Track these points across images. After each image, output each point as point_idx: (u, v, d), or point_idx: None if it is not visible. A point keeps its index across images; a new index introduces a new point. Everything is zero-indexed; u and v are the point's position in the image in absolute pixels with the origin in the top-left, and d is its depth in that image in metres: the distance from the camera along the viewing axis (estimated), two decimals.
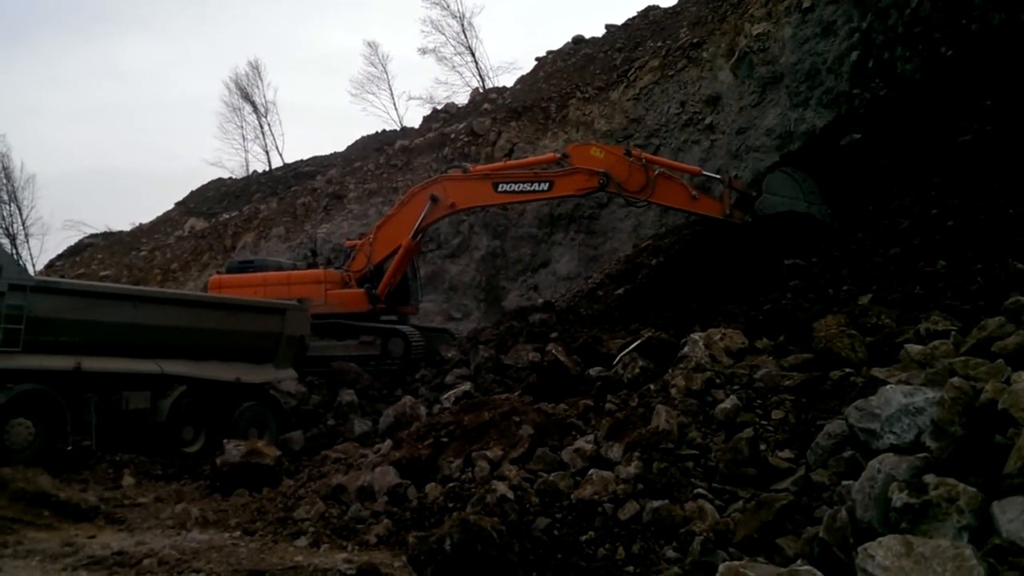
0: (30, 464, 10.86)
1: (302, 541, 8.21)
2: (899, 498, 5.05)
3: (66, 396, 11.88)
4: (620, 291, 20.39)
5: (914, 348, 7.78)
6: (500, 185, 19.01)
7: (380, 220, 21.60)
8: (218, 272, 23.95)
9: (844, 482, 6.20)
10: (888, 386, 6.46)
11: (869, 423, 6.30)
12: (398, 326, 19.68)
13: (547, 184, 18.58)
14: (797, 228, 15.40)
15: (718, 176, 17.38)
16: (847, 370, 8.49)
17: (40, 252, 57.42)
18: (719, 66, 25.39)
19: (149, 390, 13.06)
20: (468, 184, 19.55)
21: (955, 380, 5.85)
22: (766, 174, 15.76)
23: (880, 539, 4.54)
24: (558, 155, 19.75)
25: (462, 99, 41.26)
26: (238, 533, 8.66)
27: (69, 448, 11.81)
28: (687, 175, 18.56)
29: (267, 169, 46.64)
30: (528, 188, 18.78)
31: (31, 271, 34.44)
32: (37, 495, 9.80)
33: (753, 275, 15.04)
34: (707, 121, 25.44)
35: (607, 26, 37.11)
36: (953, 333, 7.86)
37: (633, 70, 29.62)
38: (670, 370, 10.18)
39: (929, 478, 5.12)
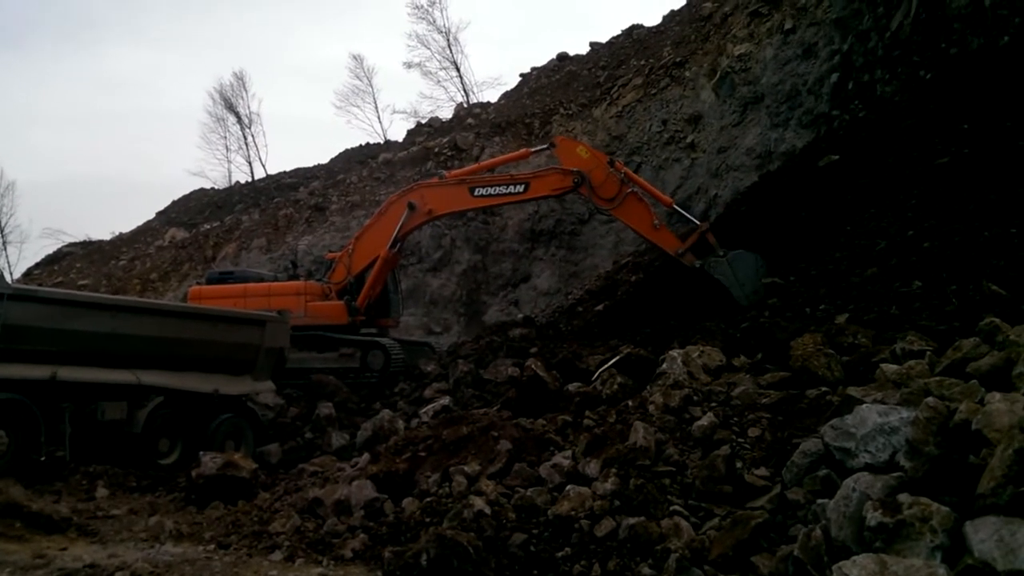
0: (2, 475, 10.69)
1: (277, 555, 8.15)
2: (873, 517, 5.09)
3: (41, 406, 11.72)
4: (600, 307, 20.44)
5: (890, 368, 7.84)
6: (476, 189, 19.04)
7: (359, 231, 21.58)
8: (198, 283, 23.83)
9: (819, 500, 6.23)
10: (864, 405, 6.52)
11: (844, 442, 6.34)
12: (378, 339, 19.61)
13: (523, 186, 18.62)
14: (719, 298, 15.64)
15: (696, 221, 17.26)
16: (823, 389, 8.55)
17: (18, 260, 57.07)
18: (701, 85, 25.63)
19: (125, 400, 12.89)
20: (444, 190, 19.57)
21: (930, 400, 5.92)
22: (745, 255, 15.70)
23: (854, 558, 4.58)
24: (546, 145, 20.04)
25: (446, 113, 41.46)
26: (212, 547, 8.58)
27: (43, 459, 11.64)
28: (663, 204, 18.54)
29: (250, 180, 46.60)
30: (504, 191, 18.80)
31: (8, 279, 34.16)
32: (9, 506, 9.64)
33: (731, 293, 15.15)
34: (688, 139, 25.65)
35: (591, 44, 37.42)
36: (928, 353, 7.93)
37: (616, 88, 29.84)
38: (648, 386, 10.20)
39: (903, 497, 5.16)
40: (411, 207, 19.29)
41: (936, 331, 9.27)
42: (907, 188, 13.75)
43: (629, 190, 17.53)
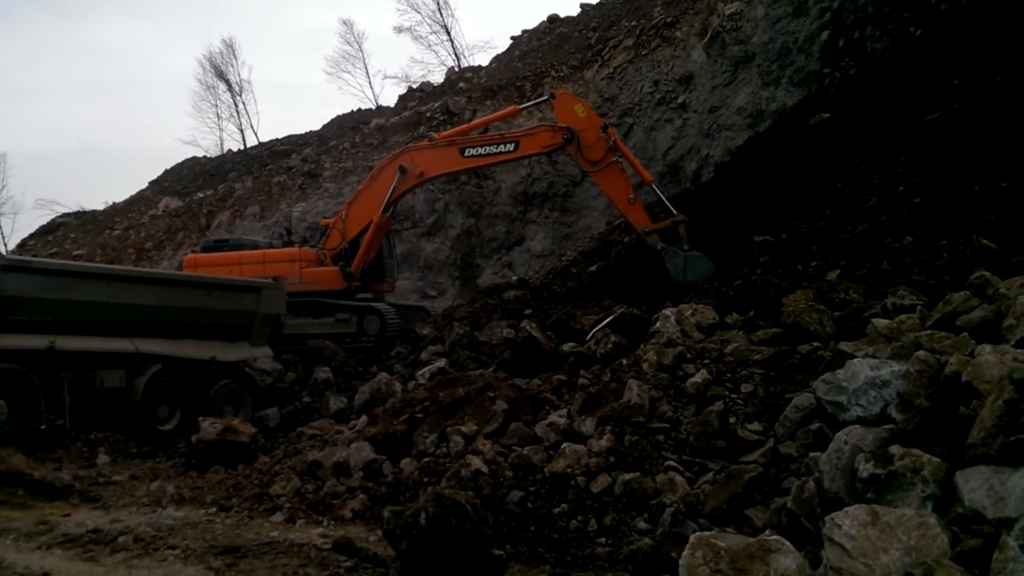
0: (3, 443, 10.77)
1: (278, 517, 8.24)
2: (865, 469, 5.16)
3: (40, 375, 11.77)
4: (593, 268, 20.46)
5: (881, 322, 7.92)
6: (466, 150, 19.01)
7: (352, 196, 21.51)
8: (193, 251, 23.78)
9: (812, 454, 6.32)
10: (855, 360, 6.58)
11: (836, 396, 6.42)
12: (373, 304, 19.62)
13: (513, 144, 18.60)
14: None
15: (673, 210, 17.11)
16: (815, 344, 8.63)
17: (12, 231, 56.81)
18: (692, 45, 25.47)
19: (124, 368, 12.96)
20: (435, 152, 19.51)
21: (921, 353, 5.97)
22: (702, 261, 15.87)
23: (847, 509, 4.64)
24: (544, 97, 20.05)
25: (438, 78, 41.16)
26: (214, 510, 8.66)
27: (43, 427, 11.72)
28: (644, 182, 18.42)
29: (242, 148, 46.22)
30: (494, 150, 18.77)
31: (2, 250, 34.00)
32: (11, 474, 9.74)
33: (724, 251, 15.18)
34: (680, 100, 25.54)
35: (582, 5, 37.09)
36: (919, 307, 8.01)
37: (607, 49, 29.64)
38: (642, 345, 10.28)
39: (895, 449, 5.23)
40: (402, 170, 19.23)
41: (927, 285, 9.35)
42: (898, 144, 13.76)
43: (614, 158, 17.54)
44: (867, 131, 14.96)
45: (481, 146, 18.97)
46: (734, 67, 23.62)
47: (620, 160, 17.61)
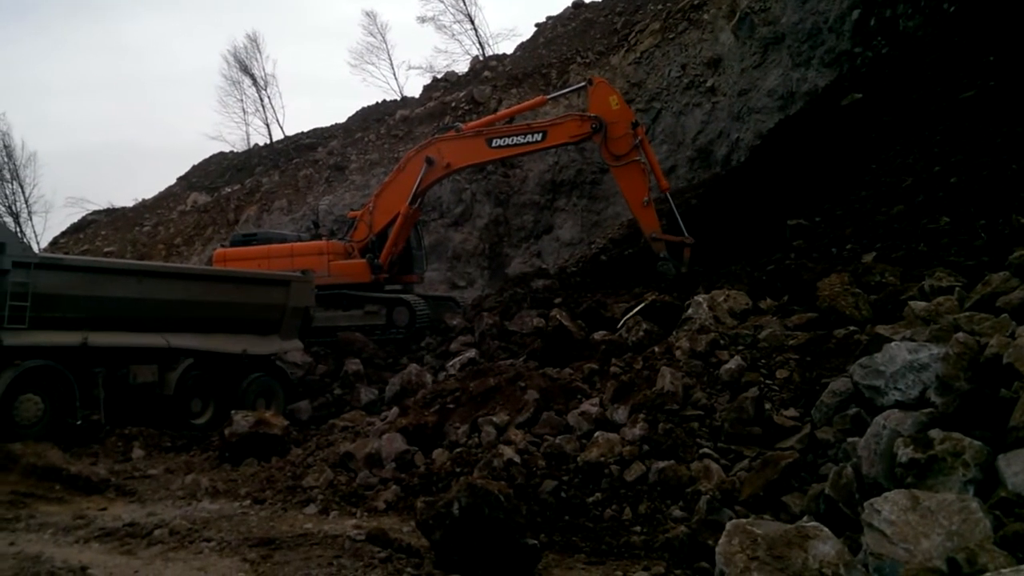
0: (40, 439, 10.93)
1: (311, 509, 8.28)
2: (904, 453, 5.07)
3: (74, 371, 11.93)
4: (623, 256, 20.33)
5: (918, 305, 7.78)
6: (494, 140, 18.91)
7: (378, 188, 21.53)
8: (222, 245, 23.94)
9: (849, 439, 6.23)
10: (893, 343, 6.47)
11: (874, 380, 6.32)
12: (402, 295, 19.65)
13: (540, 134, 18.49)
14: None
15: (685, 233, 16.81)
16: (851, 328, 8.50)
17: (44, 230, 57.56)
18: (720, 27, 25.15)
19: (156, 363, 13.09)
20: (462, 143, 19.43)
21: (960, 335, 5.86)
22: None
23: (886, 494, 4.56)
24: (581, 84, 19.69)
25: (462, 67, 41.02)
26: (248, 502, 8.72)
27: (78, 422, 11.87)
28: (660, 188, 18.17)
29: (268, 142, 46.39)
30: (522, 140, 18.66)
31: (35, 249, 34.48)
32: (48, 469, 9.87)
33: (756, 236, 15.01)
34: (708, 84, 25.24)
35: None
36: (957, 289, 7.85)
37: (634, 34, 29.36)
38: (674, 332, 10.21)
39: (934, 433, 5.14)
40: (429, 162, 19.21)
41: (965, 266, 9.17)
42: (932, 123, 13.52)
43: (637, 157, 17.40)
44: (901, 111, 14.72)
45: (508, 136, 18.89)
46: (763, 49, 23.32)
47: (642, 161, 17.47)
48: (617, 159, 17.60)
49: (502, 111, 24.16)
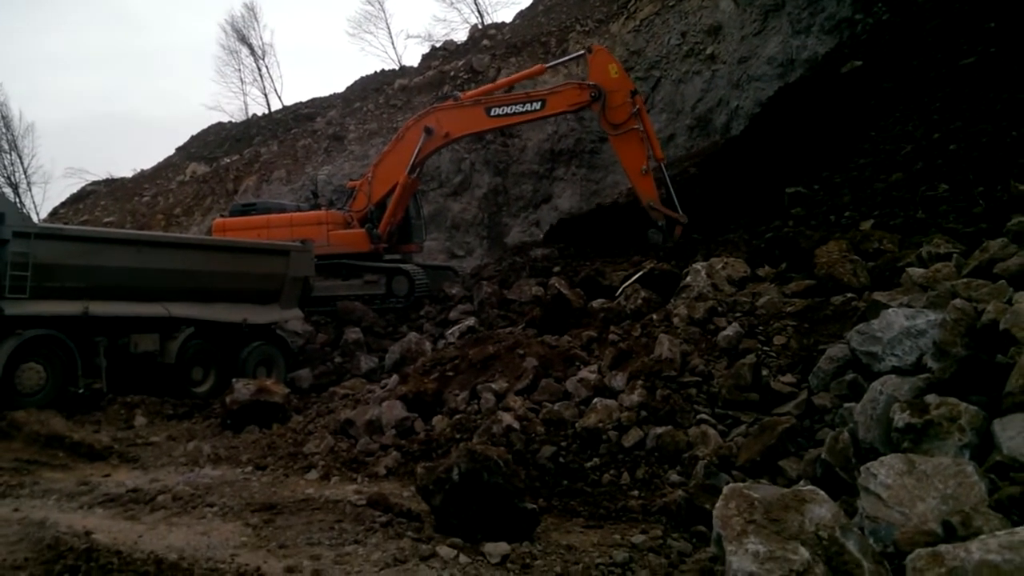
0: (43, 407, 11.03)
1: (313, 474, 8.34)
2: (901, 418, 5.11)
3: (75, 340, 11.99)
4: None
5: (916, 271, 7.80)
6: (492, 109, 18.84)
7: (377, 158, 21.46)
8: (221, 215, 23.90)
9: (846, 404, 6.28)
10: (890, 309, 6.51)
11: (871, 346, 6.36)
12: (402, 265, 19.67)
13: (539, 103, 18.44)
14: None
15: (679, 211, 16.82)
16: (849, 295, 8.54)
17: (43, 200, 57.46)
18: None
19: (157, 332, 13.15)
20: (460, 112, 19.38)
21: (957, 302, 5.89)
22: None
23: (882, 458, 4.60)
24: (579, 53, 19.69)
25: (461, 36, 40.74)
26: (250, 468, 8.79)
27: (81, 391, 11.95)
28: (655, 157, 18.07)
29: (267, 112, 46.22)
30: (521, 109, 18.61)
31: (35, 219, 34.42)
32: (51, 437, 9.96)
33: (755, 204, 15.02)
34: (708, 51, 25.07)
35: None
36: (955, 256, 7.88)
37: (633, 1, 29.11)
38: (672, 300, 10.24)
39: (931, 398, 5.18)
40: (428, 131, 19.14)
41: (963, 233, 9.19)
42: (932, 90, 13.47)
43: (635, 126, 17.34)
44: (900, 77, 14.65)
45: (507, 105, 18.81)
46: (764, 16, 23.14)
47: (640, 129, 17.41)
48: (615, 128, 17.58)
49: (501, 80, 24.01)
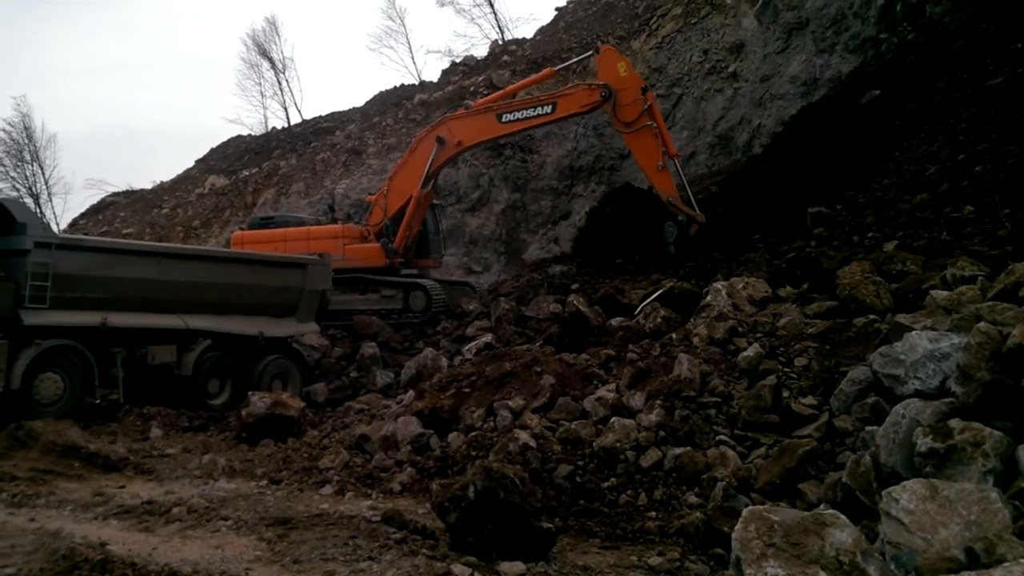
0: (60, 417, 11.05)
1: (327, 489, 8.31)
2: (924, 443, 5.04)
3: (93, 351, 12.03)
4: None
5: (940, 294, 7.72)
6: (504, 115, 18.75)
7: (393, 171, 21.45)
8: (240, 228, 24.01)
9: (868, 428, 6.21)
10: (913, 332, 6.43)
11: (894, 369, 6.29)
12: (418, 280, 19.65)
13: (550, 106, 18.31)
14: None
15: (695, 213, 16.71)
16: (871, 317, 8.45)
17: (63, 211, 58.03)
18: (743, 12, 24.91)
19: (174, 344, 13.18)
20: (472, 120, 19.31)
21: (982, 325, 5.81)
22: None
23: (905, 483, 4.53)
24: (588, 54, 19.59)
25: (481, 52, 40.89)
26: (264, 482, 8.77)
27: (98, 401, 11.99)
28: (669, 154, 17.90)
29: (286, 125, 46.50)
30: (532, 113, 18.49)
31: (55, 230, 34.74)
32: (68, 447, 9.98)
33: (777, 223, 14.91)
34: (731, 69, 25.02)
35: None
36: (980, 279, 7.78)
37: (655, 18, 29.15)
38: (692, 319, 10.17)
39: (954, 423, 5.11)
40: (440, 141, 19.08)
41: (988, 256, 9.09)
42: (958, 111, 13.35)
43: (648, 122, 17.19)
44: (926, 98, 14.55)
45: (518, 110, 18.69)
46: (787, 34, 23.08)
47: (653, 126, 17.26)
48: (628, 126, 17.40)
49: (510, 87, 23.87)
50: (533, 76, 22.46)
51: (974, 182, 11.37)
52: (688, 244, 16.18)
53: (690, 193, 17.04)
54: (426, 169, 19.25)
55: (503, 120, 18.72)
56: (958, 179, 11.72)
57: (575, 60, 22.02)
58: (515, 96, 20.67)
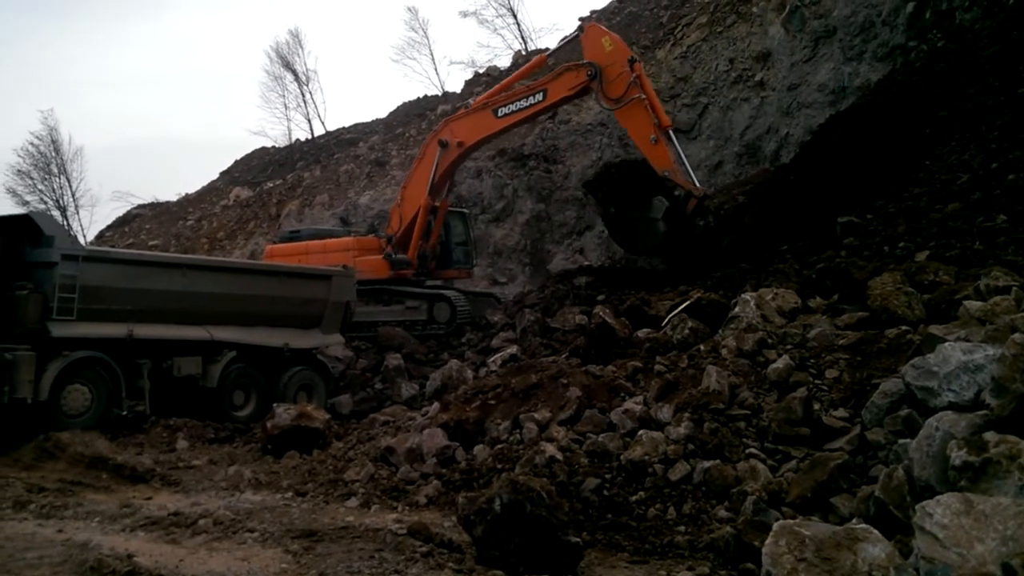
0: (87, 429, 11.16)
1: (353, 502, 8.30)
2: (958, 456, 4.95)
3: (120, 362, 12.13)
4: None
5: (973, 305, 7.60)
6: (499, 109, 18.56)
7: (405, 180, 21.40)
8: (272, 242, 24.18)
9: (901, 441, 6.13)
10: (946, 344, 6.34)
11: (927, 381, 6.20)
12: (443, 291, 19.62)
13: (541, 94, 18.07)
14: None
15: (693, 187, 16.34)
16: (903, 328, 8.31)
17: (90, 223, 58.55)
18: (770, 21, 24.76)
19: (199, 356, 13.25)
20: (470, 118, 19.23)
21: (1017, 336, 5.72)
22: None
23: (939, 497, 4.46)
24: (574, 32, 19.26)
25: (504, 62, 40.93)
26: (290, 494, 8.78)
27: (124, 413, 12.07)
28: (662, 124, 17.22)
29: (310, 137, 46.76)
30: (525, 104, 18.26)
31: (82, 242, 35.13)
32: (95, 458, 10.05)
33: (806, 233, 14.76)
34: (757, 78, 24.85)
35: None
36: (1015, 289, 7.66)
37: (680, 27, 29.05)
38: (720, 331, 10.06)
39: (989, 435, 5.01)
40: (442, 144, 18.98)
41: (1022, 266, 8.92)
42: (990, 119, 13.17)
43: (637, 95, 16.70)
44: (957, 106, 14.37)
45: (512, 102, 18.48)
46: (814, 42, 22.90)
47: (643, 98, 16.77)
48: (616, 101, 16.94)
49: (505, 80, 23.47)
50: (525, 65, 22.19)
51: (1007, 190, 11.20)
52: (685, 221, 15.88)
53: (688, 166, 16.67)
54: (431, 175, 19.10)
55: (499, 114, 18.53)
56: (991, 188, 11.56)
57: (563, 41, 21.39)
58: (512, 89, 20.46)
